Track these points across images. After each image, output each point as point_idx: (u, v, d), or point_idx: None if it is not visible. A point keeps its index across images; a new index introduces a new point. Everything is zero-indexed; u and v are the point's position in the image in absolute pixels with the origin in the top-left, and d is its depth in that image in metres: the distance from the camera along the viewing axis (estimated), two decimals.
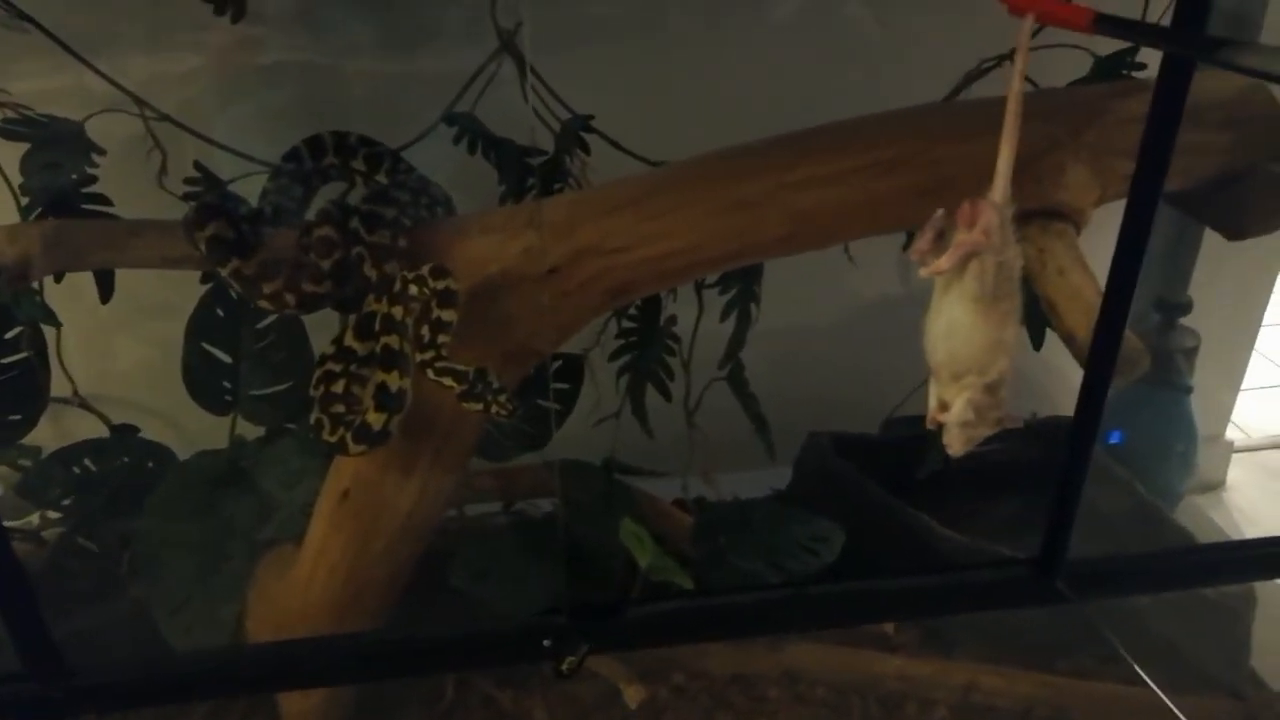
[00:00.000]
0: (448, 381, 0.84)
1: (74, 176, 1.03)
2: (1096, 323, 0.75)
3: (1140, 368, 0.78)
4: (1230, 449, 1.79)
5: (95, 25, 1.14)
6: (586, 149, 1.11)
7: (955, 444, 0.72)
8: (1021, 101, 0.69)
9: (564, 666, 0.81)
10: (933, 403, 0.73)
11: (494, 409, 0.82)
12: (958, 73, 1.13)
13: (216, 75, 1.23)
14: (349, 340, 0.88)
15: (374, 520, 0.97)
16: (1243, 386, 1.76)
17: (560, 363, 1.21)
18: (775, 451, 1.30)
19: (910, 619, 1.17)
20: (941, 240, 0.70)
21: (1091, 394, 0.76)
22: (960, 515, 1.29)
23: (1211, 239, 1.46)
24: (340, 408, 0.88)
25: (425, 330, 0.85)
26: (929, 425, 0.73)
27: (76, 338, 1.26)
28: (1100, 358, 0.75)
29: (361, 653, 0.84)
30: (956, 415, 0.70)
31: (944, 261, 0.68)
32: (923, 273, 0.70)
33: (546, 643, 0.81)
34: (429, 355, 0.84)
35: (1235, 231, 1.07)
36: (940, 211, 0.71)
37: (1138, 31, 0.68)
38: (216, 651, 1.02)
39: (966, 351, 0.70)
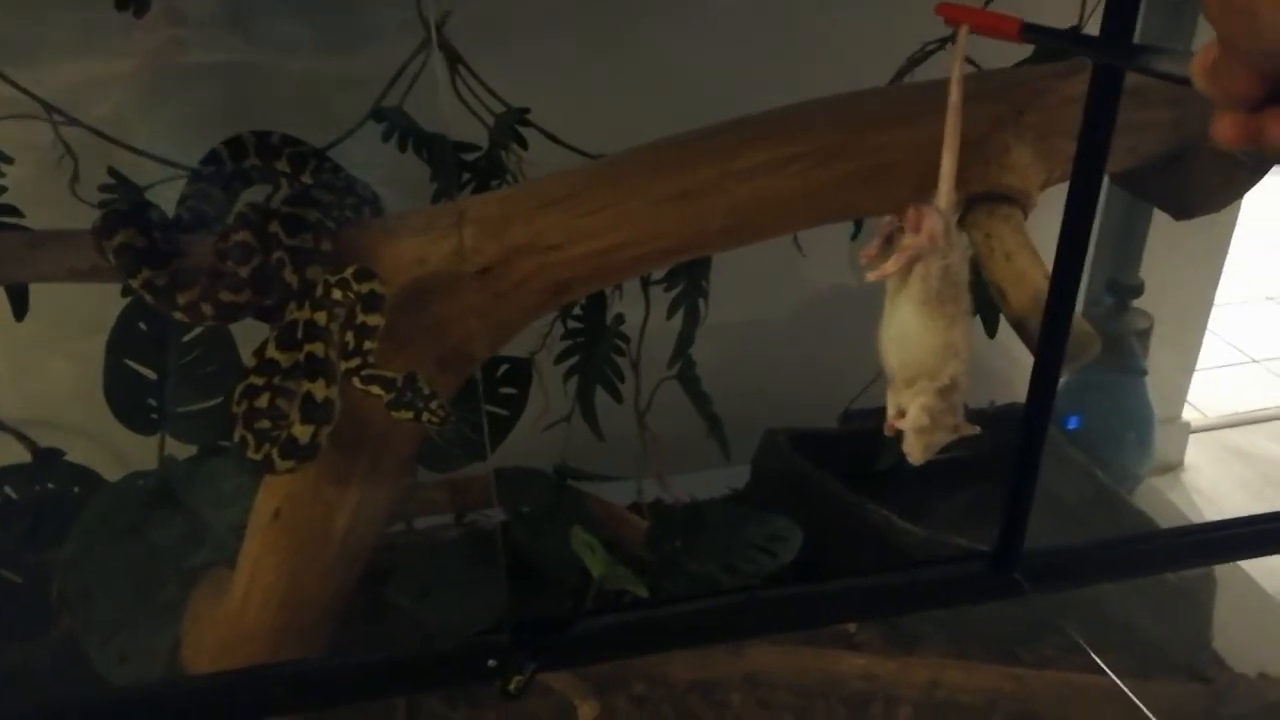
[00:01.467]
0: (375, 390, 0.79)
1: None
2: (1045, 308, 0.73)
3: (1091, 352, 0.76)
4: (1187, 430, 1.79)
5: (8, 30, 1.08)
6: (524, 143, 1.08)
7: (914, 451, 0.73)
8: (960, 111, 0.71)
9: (511, 686, 0.77)
10: (891, 410, 0.73)
11: (425, 417, 0.78)
12: (900, 57, 1.10)
13: (136, 78, 1.18)
14: (271, 352, 0.84)
15: (309, 539, 0.92)
16: (1197, 367, 1.77)
17: (507, 367, 1.18)
18: (730, 450, 1.27)
19: (867, 619, 1.15)
20: (890, 245, 0.71)
21: (1042, 380, 0.75)
22: (922, 506, 1.27)
23: (1160, 219, 1.46)
24: (265, 423, 0.84)
25: (350, 337, 0.81)
26: (888, 433, 0.74)
27: None
28: (1049, 343, 0.73)
29: (294, 681, 0.80)
30: (912, 421, 0.71)
31: (889, 266, 0.70)
32: (869, 277, 0.71)
33: (491, 663, 0.78)
34: (354, 363, 0.80)
35: (1181, 210, 1.06)
36: (889, 217, 0.72)
37: (1062, 39, 0.70)
38: (149, 686, 0.97)
39: (917, 355, 0.71)
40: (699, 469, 1.32)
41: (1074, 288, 0.70)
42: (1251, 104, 0.36)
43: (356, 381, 0.80)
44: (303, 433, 0.80)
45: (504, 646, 0.78)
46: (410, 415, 0.79)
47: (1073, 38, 0.75)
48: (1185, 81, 0.39)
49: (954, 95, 0.71)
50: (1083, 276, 0.73)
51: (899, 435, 0.74)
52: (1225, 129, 0.37)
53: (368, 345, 0.80)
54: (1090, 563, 0.84)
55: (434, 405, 0.79)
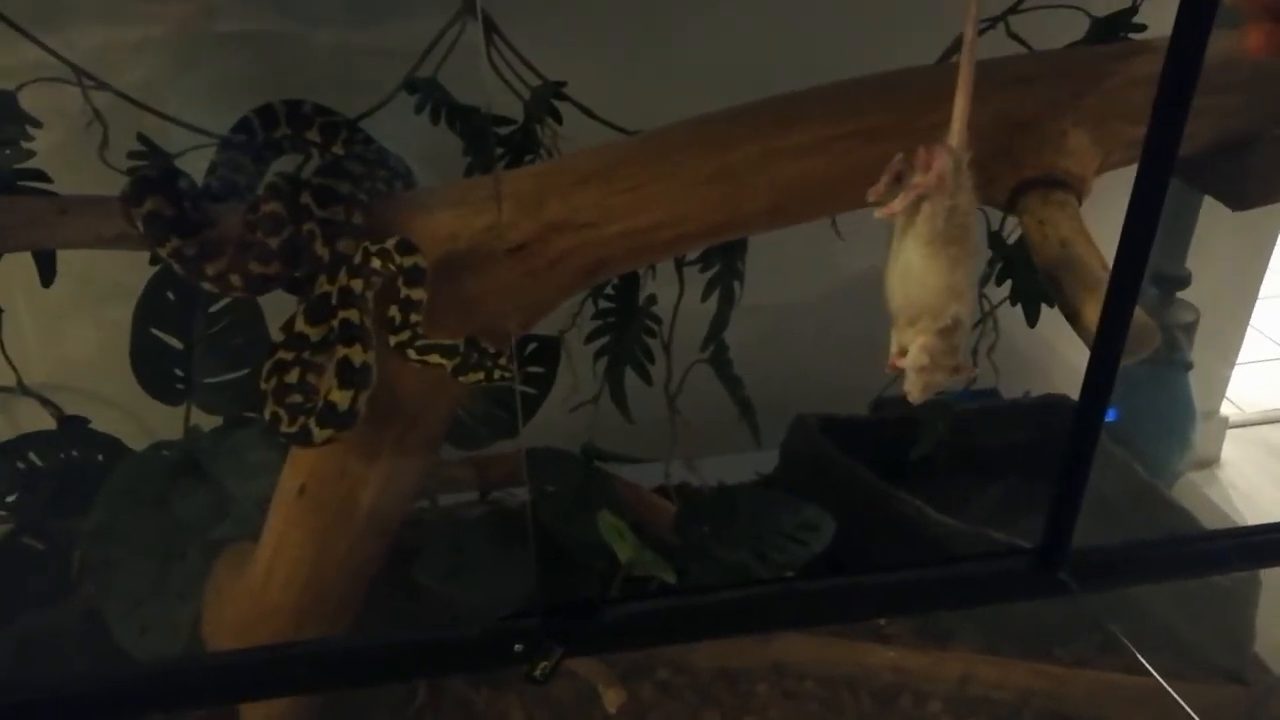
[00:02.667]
0: (435, 358, 0.78)
1: (7, 151, 0.96)
2: (1105, 298, 0.70)
3: (1150, 345, 0.73)
4: (1225, 425, 1.75)
5: None
6: (559, 118, 1.05)
7: (913, 390, 0.72)
8: (974, 49, 0.70)
9: (537, 672, 0.76)
10: (893, 348, 0.73)
11: (497, 374, 0.77)
12: (949, 35, 1.07)
13: (167, 44, 1.16)
14: (300, 326, 0.82)
15: (334, 516, 0.91)
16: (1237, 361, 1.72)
17: (535, 345, 1.16)
18: (761, 435, 1.25)
19: (908, 614, 1.12)
20: (899, 184, 0.70)
21: (1098, 374, 0.71)
22: (953, 498, 1.25)
23: (1206, 209, 1.42)
24: (297, 398, 0.82)
25: (395, 311, 0.79)
26: (887, 370, 0.73)
27: (22, 323, 1.19)
28: (1108, 335, 0.70)
29: (316, 660, 0.78)
30: (912, 360, 0.70)
31: (897, 203, 0.69)
32: (877, 214, 0.70)
33: (518, 647, 0.76)
34: (405, 336, 0.79)
35: (1240, 201, 1.03)
36: (899, 155, 0.70)
37: None
38: (170, 661, 0.96)
39: (920, 295, 0.70)
40: (724, 453, 1.30)
41: (1138, 277, 0.67)
42: None
43: (412, 353, 0.79)
44: (341, 398, 0.79)
45: (532, 631, 0.76)
46: (481, 376, 0.77)
47: None
48: None
49: (968, 33, 0.70)
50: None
51: (901, 376, 0.73)
52: (1256, 40, 0.40)
53: (414, 318, 0.79)
54: (1140, 563, 0.81)
55: (502, 361, 0.78)
